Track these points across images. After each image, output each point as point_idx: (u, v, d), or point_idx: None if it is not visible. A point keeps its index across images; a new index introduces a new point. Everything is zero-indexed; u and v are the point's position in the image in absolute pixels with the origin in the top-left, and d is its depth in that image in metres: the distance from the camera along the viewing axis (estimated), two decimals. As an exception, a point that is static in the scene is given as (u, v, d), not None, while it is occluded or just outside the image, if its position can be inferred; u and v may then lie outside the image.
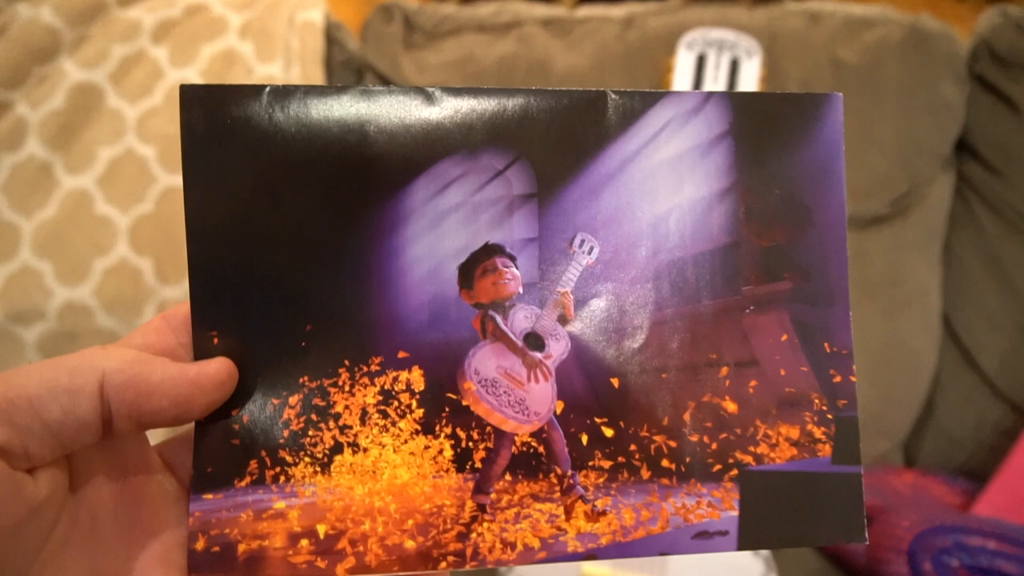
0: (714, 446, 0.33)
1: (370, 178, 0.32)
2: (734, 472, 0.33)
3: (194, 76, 0.79)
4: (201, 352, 0.30)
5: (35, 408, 0.25)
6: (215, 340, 0.31)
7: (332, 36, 0.90)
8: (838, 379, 0.34)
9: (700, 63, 0.89)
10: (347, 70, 0.92)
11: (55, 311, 0.74)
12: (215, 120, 0.30)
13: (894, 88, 0.90)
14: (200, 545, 0.30)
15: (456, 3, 1.01)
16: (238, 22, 0.82)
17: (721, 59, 0.88)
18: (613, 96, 0.33)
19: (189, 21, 0.81)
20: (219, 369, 0.29)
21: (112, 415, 0.27)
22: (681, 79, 0.88)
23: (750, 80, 0.88)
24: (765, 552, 0.75)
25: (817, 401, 0.34)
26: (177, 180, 0.73)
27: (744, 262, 0.34)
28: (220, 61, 0.80)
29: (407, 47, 0.93)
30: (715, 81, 0.88)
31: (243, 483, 0.31)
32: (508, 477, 0.32)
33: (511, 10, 0.97)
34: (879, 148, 0.89)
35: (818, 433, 0.34)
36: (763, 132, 0.34)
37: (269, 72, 0.81)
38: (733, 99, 0.34)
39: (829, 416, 0.34)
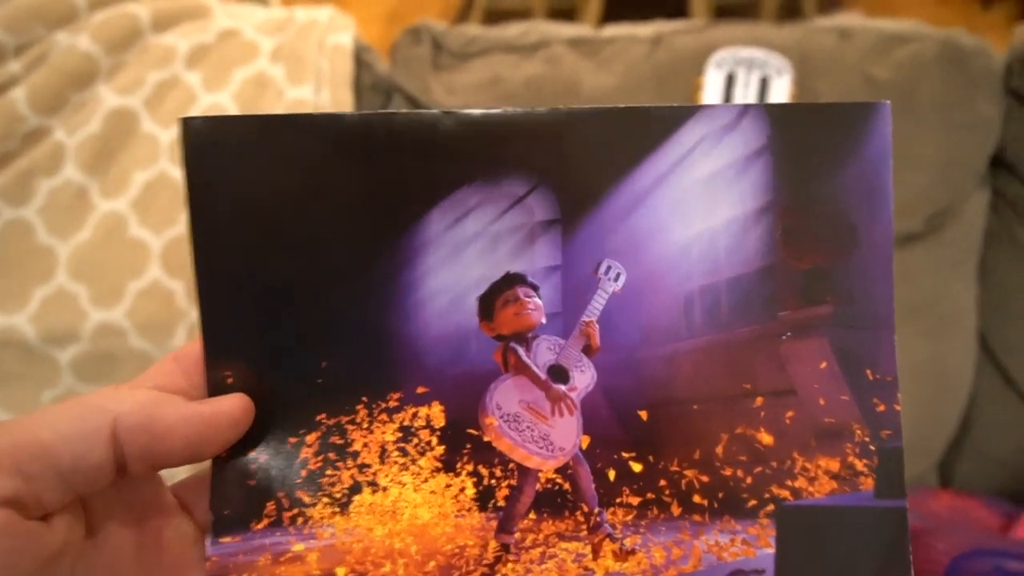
0: (749, 480, 0.31)
1: (385, 208, 0.30)
2: (770, 507, 0.31)
3: (227, 100, 0.79)
4: (215, 388, 0.29)
5: (48, 455, 0.25)
6: (229, 380, 0.30)
7: (361, 59, 0.90)
8: (882, 408, 0.32)
9: (729, 82, 0.87)
10: (376, 92, 0.91)
11: (89, 333, 0.74)
12: (219, 155, 0.29)
13: (929, 105, 0.87)
14: (217, 590, 0.29)
15: (480, 23, 1.00)
16: (269, 46, 0.82)
17: (751, 77, 0.86)
18: (642, 112, 0.31)
19: (222, 46, 0.81)
20: (233, 407, 0.28)
21: (125, 457, 0.26)
22: (711, 98, 0.86)
23: (780, 98, 0.86)
24: None
25: (859, 432, 0.32)
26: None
27: (781, 286, 0.32)
28: (252, 85, 0.80)
29: (436, 68, 0.92)
30: (745, 100, 0.86)
31: (260, 525, 0.29)
32: (532, 515, 0.30)
33: (538, 31, 0.95)
34: (916, 165, 0.87)
35: (860, 465, 0.31)
36: (804, 146, 0.31)
37: (300, 95, 0.80)
38: (771, 111, 0.32)
39: (872, 447, 0.32)
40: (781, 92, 0.86)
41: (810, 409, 0.32)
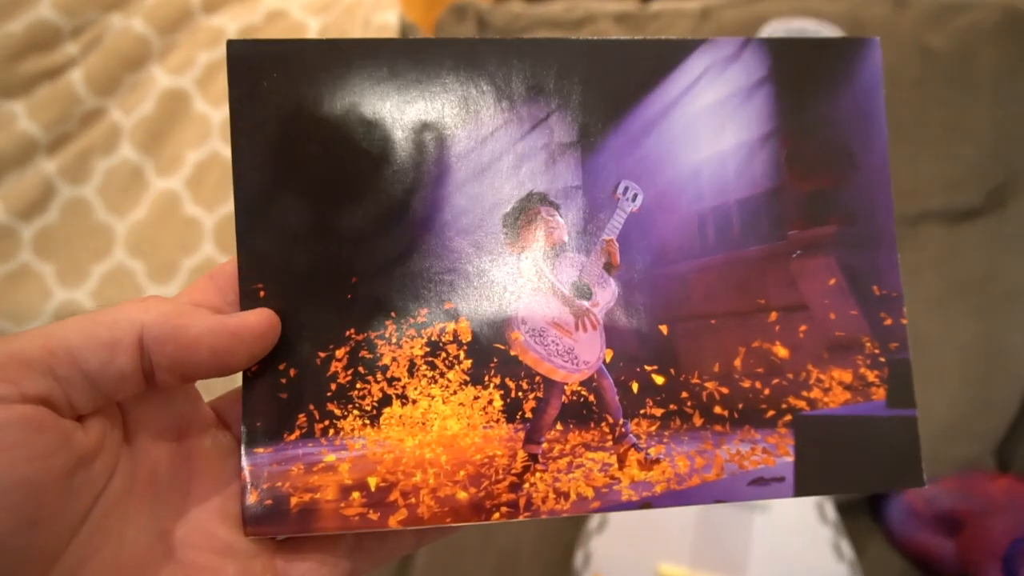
0: (767, 392, 0.31)
1: (413, 130, 0.31)
2: (788, 418, 0.31)
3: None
4: (247, 305, 0.29)
5: (75, 359, 0.24)
6: (261, 293, 0.29)
7: (406, 36, 0.88)
8: (889, 322, 0.32)
9: None
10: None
11: None
12: (262, 75, 0.30)
13: (988, 76, 0.81)
14: (253, 499, 0.28)
15: (526, 1, 0.99)
16: (316, 25, 0.82)
17: None
18: (652, 43, 0.32)
19: (270, 26, 0.82)
20: (259, 320, 0.28)
21: (153, 367, 0.26)
22: None
23: None
24: (849, 555, 0.71)
25: (869, 344, 0.32)
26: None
27: (788, 207, 0.32)
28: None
29: None
30: None
31: (292, 437, 0.29)
32: (559, 427, 0.30)
33: (583, 7, 0.92)
34: (972, 138, 0.82)
35: (871, 376, 0.32)
36: (803, 78, 0.33)
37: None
38: (771, 45, 0.33)
39: (882, 359, 0.32)
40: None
41: (821, 323, 0.32)
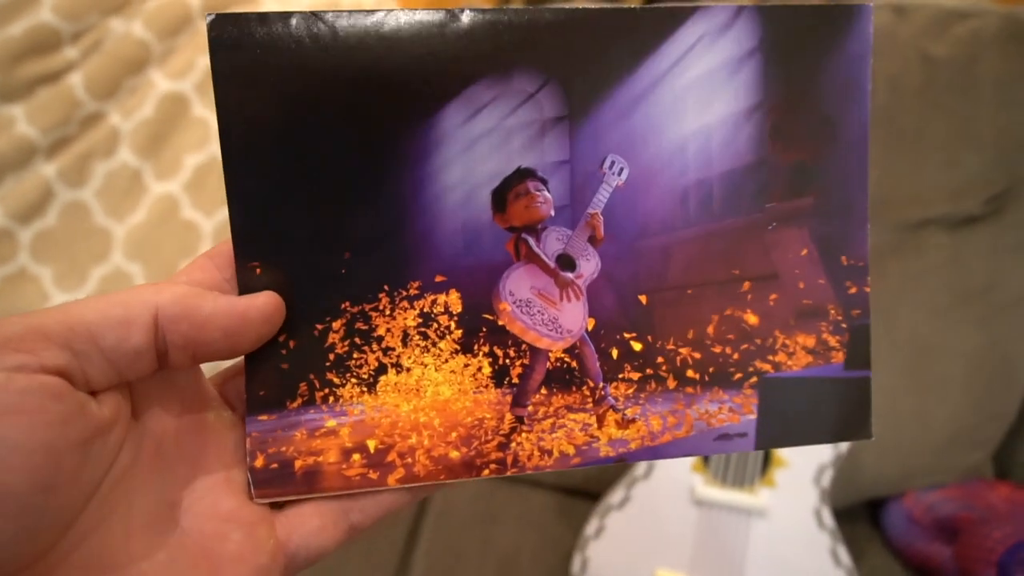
0: (736, 356, 0.33)
1: (402, 104, 0.30)
2: (754, 379, 0.33)
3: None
4: (245, 282, 0.29)
5: (93, 335, 0.25)
6: (258, 271, 0.30)
7: None
8: (853, 290, 0.34)
9: None
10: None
11: None
12: (245, 49, 0.28)
13: (990, 83, 0.80)
14: (259, 463, 0.30)
15: (523, 3, 0.92)
16: None
17: None
18: (643, 12, 0.31)
19: None
20: (267, 303, 0.29)
21: (167, 347, 0.26)
22: None
23: None
24: (847, 561, 0.73)
25: (833, 311, 0.33)
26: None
27: (769, 180, 0.33)
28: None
29: None
30: None
31: (295, 404, 0.30)
32: (544, 391, 0.32)
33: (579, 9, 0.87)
34: (975, 146, 0.80)
35: (833, 341, 0.34)
36: (793, 46, 0.32)
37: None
38: (765, 13, 0.32)
39: (844, 325, 0.34)
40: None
41: (791, 292, 0.33)
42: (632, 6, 0.31)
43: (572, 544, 0.83)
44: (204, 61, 0.77)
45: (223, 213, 0.77)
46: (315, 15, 0.29)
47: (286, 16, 0.28)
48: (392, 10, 0.29)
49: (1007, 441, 0.87)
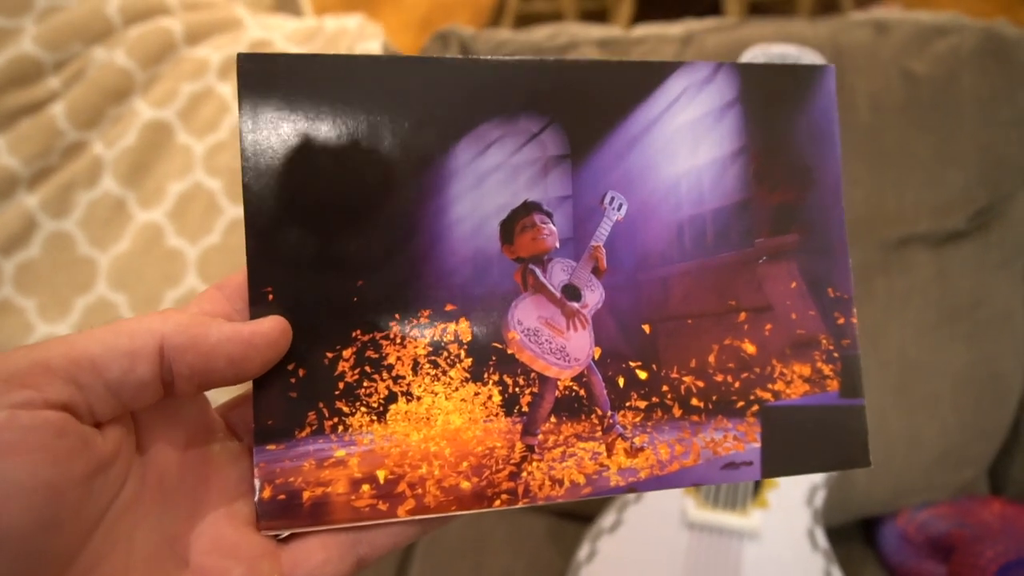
0: (737, 385, 0.34)
1: (416, 141, 0.31)
2: (755, 408, 0.33)
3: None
4: (257, 306, 0.29)
5: (97, 368, 0.24)
6: (270, 296, 0.30)
7: None
8: (841, 321, 0.35)
9: None
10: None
11: None
12: (269, 87, 0.30)
13: (970, 99, 0.79)
14: (267, 494, 0.28)
15: (511, 28, 0.97)
16: None
17: None
18: (635, 65, 0.33)
19: None
20: (272, 328, 0.28)
21: (173, 376, 0.26)
22: None
23: None
24: None
25: (824, 341, 0.35)
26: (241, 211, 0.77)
27: (756, 217, 0.34)
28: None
29: None
30: None
31: (303, 434, 0.29)
32: (553, 419, 0.32)
33: (567, 32, 0.88)
34: (957, 163, 0.79)
35: (827, 370, 0.34)
36: (768, 99, 0.35)
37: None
38: (741, 70, 0.35)
39: (835, 355, 0.35)
40: (815, 88, 0.79)
41: (784, 322, 0.34)
42: (624, 60, 0.33)
43: (564, 568, 0.79)
44: (188, 88, 0.77)
45: (208, 240, 0.75)
46: (337, 57, 0.30)
47: (310, 57, 0.30)
48: (408, 57, 0.31)
49: (1000, 457, 0.85)
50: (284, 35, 0.82)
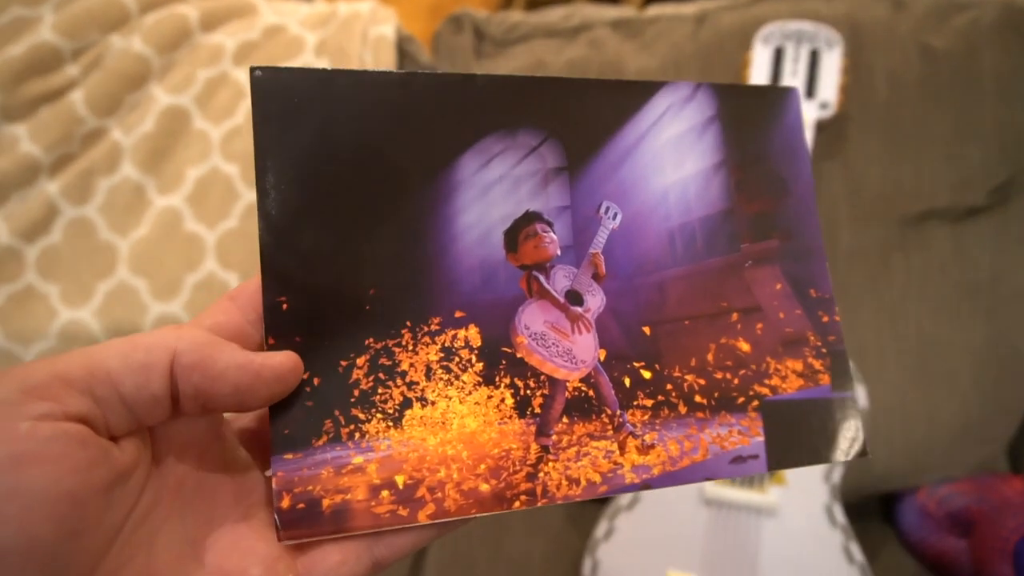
0: (736, 381, 0.35)
1: (423, 153, 0.32)
2: (756, 403, 0.34)
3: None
4: (271, 316, 0.29)
5: (113, 381, 0.24)
6: (284, 306, 0.30)
7: (404, 49, 0.85)
8: (826, 319, 0.36)
9: (778, 56, 0.77)
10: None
11: (150, 325, 0.71)
12: (283, 98, 0.30)
13: (990, 74, 0.77)
14: (286, 504, 0.28)
15: (523, 10, 0.94)
16: (314, 40, 0.80)
17: (800, 51, 0.77)
18: (624, 83, 0.36)
19: (268, 43, 0.80)
20: (282, 363, 0.28)
21: (179, 394, 0.26)
22: (758, 74, 0.77)
23: (831, 71, 0.76)
24: (860, 558, 0.71)
25: (812, 338, 0.36)
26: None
27: (739, 225, 0.36)
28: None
29: (478, 56, 0.86)
30: (794, 74, 0.77)
31: (320, 442, 0.29)
32: (565, 420, 0.32)
33: (580, 14, 0.87)
34: (976, 138, 0.77)
35: (817, 365, 0.36)
36: (743, 117, 0.37)
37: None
38: (717, 89, 0.37)
39: (824, 350, 0.36)
40: (832, 65, 0.76)
41: (774, 322, 0.36)
42: (614, 79, 0.35)
43: (582, 548, 0.76)
44: (204, 74, 0.77)
45: (226, 225, 0.74)
46: (347, 72, 0.31)
47: (322, 71, 0.31)
48: (418, 71, 0.32)
49: (1020, 435, 0.83)
50: (298, 20, 0.83)
